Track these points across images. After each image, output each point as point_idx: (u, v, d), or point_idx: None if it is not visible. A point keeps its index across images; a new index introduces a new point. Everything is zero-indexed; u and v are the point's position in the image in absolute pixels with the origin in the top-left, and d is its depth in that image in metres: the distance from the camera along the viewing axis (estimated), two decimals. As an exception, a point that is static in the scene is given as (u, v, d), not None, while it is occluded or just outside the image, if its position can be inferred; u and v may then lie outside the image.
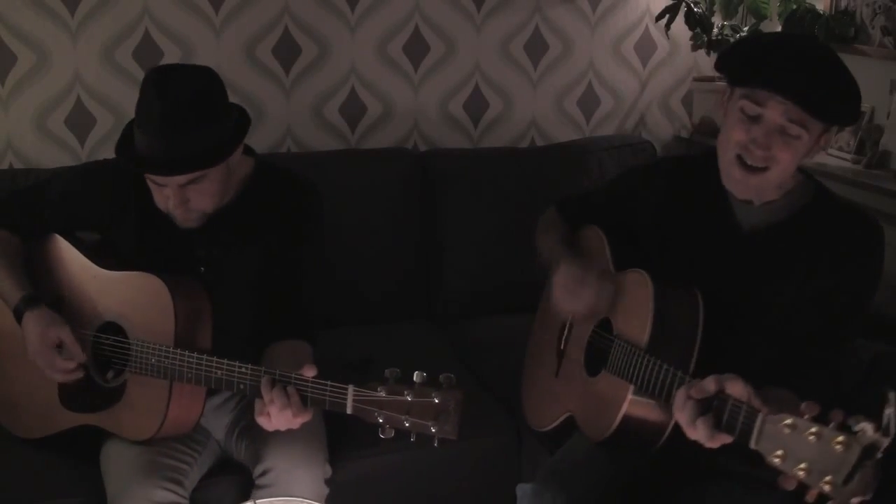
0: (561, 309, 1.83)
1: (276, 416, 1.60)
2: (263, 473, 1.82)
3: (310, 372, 1.59)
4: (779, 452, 1.21)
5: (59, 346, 1.83)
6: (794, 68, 1.54)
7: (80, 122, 2.71)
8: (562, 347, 1.93)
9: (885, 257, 1.64)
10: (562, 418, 1.87)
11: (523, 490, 1.79)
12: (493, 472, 2.22)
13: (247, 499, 1.73)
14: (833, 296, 1.61)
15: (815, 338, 1.61)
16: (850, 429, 1.15)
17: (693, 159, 1.86)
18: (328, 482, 1.91)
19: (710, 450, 1.43)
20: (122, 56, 2.69)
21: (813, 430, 1.18)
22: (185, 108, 1.68)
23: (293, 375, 1.61)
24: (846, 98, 1.59)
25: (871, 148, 2.68)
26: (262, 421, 1.63)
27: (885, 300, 2.19)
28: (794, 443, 1.20)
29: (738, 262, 1.69)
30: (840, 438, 1.15)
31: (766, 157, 1.58)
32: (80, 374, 1.86)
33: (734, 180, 1.64)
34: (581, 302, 1.77)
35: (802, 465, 1.18)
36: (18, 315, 1.85)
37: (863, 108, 2.72)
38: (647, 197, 1.86)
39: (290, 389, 1.61)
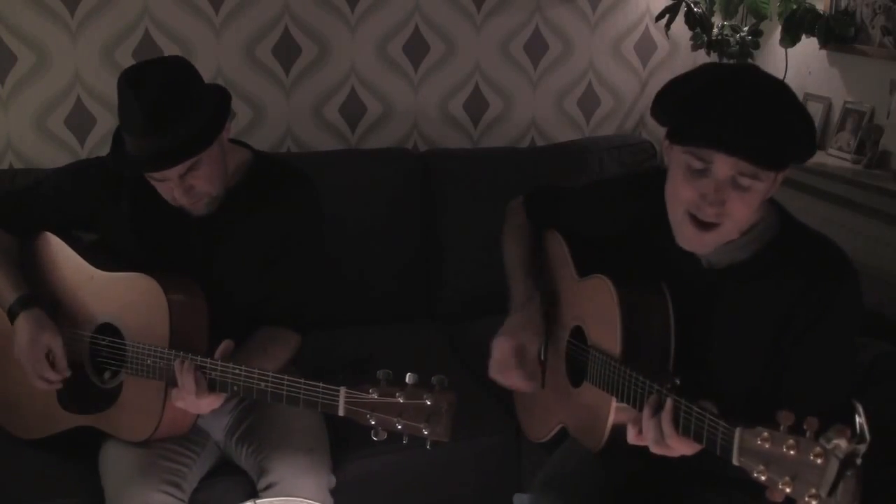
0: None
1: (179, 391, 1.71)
2: (268, 487, 1.81)
3: (224, 349, 1.72)
4: (761, 467, 1.20)
5: (48, 355, 1.83)
6: (737, 122, 1.40)
7: (80, 122, 2.71)
8: (541, 358, 1.90)
9: (859, 292, 1.53)
10: (556, 430, 1.86)
11: (521, 500, 1.77)
12: (493, 472, 2.22)
13: (247, 499, 1.73)
14: (805, 345, 1.51)
15: (799, 389, 1.52)
16: (828, 438, 1.13)
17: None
18: (332, 493, 1.90)
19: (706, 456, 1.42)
20: (122, 56, 2.68)
21: (790, 442, 1.17)
22: (162, 105, 1.70)
23: (208, 361, 1.70)
24: (798, 140, 1.46)
25: (871, 148, 2.67)
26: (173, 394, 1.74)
27: (886, 300, 2.19)
28: (775, 456, 1.18)
29: (700, 298, 1.60)
30: (817, 450, 1.14)
31: (719, 213, 1.47)
32: (58, 387, 1.87)
33: (687, 238, 1.54)
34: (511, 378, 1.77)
35: (786, 479, 1.17)
36: (13, 315, 1.85)
37: (863, 108, 2.74)
38: (623, 211, 1.76)
39: (187, 365, 1.70)
